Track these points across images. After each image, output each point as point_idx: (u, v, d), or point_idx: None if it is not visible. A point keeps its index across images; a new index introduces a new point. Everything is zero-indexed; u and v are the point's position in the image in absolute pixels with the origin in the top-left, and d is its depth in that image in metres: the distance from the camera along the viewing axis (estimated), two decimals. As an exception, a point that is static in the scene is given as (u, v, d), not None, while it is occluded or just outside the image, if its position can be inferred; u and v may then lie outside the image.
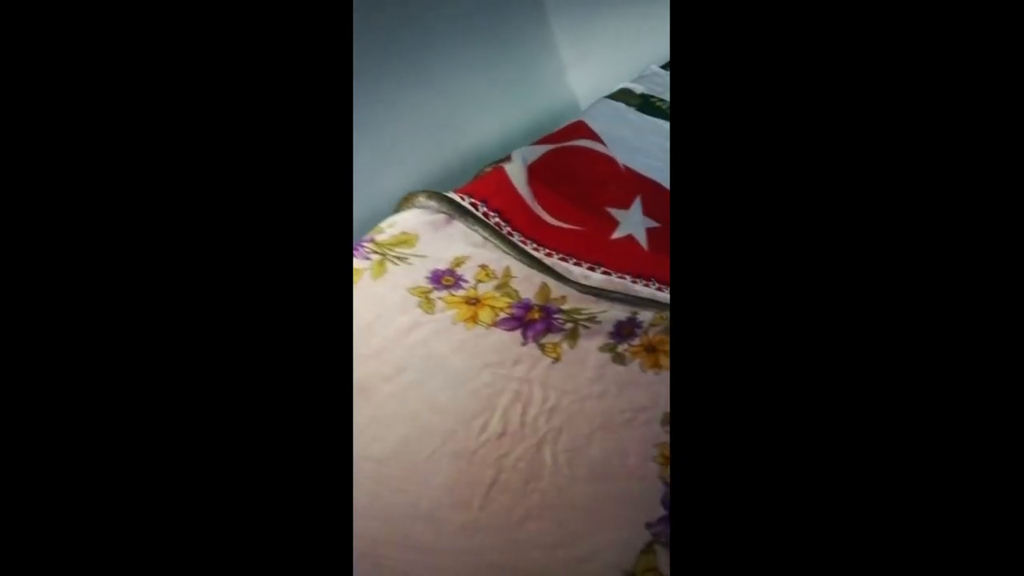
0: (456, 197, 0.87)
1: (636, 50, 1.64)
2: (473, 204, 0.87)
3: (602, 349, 0.75)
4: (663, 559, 0.56)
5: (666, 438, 0.67)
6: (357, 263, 0.78)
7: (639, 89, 1.46)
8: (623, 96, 1.42)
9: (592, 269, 0.88)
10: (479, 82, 1.19)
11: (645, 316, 0.80)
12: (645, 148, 1.22)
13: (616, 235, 0.95)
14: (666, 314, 0.81)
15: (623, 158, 1.08)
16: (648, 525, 0.58)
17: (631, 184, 1.03)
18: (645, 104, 1.42)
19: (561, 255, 0.89)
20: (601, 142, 1.10)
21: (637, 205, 1.00)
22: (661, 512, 0.60)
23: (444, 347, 0.70)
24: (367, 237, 0.83)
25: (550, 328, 0.76)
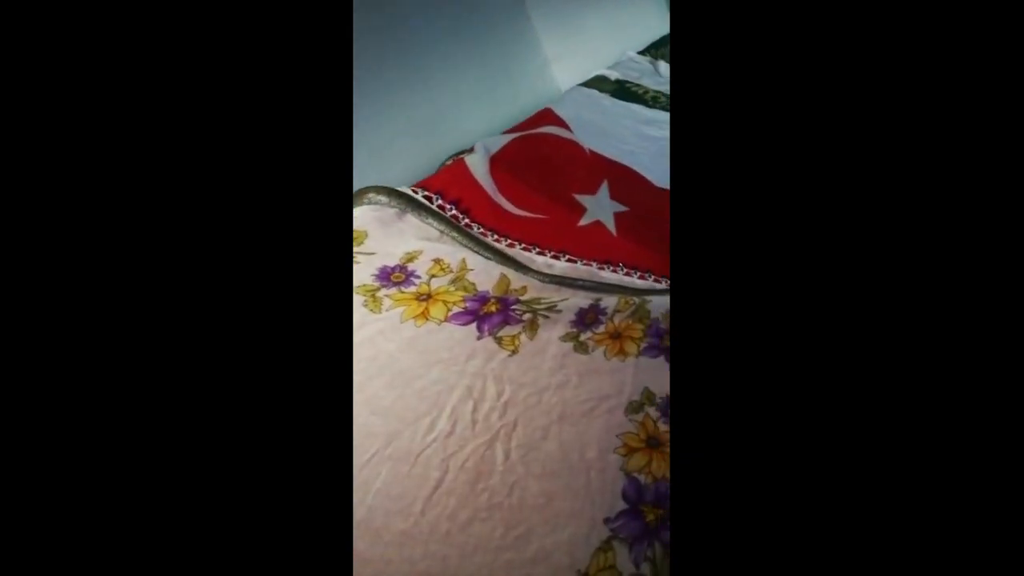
0: (408, 191, 0.84)
1: (616, 38, 1.61)
2: (427, 197, 0.84)
3: (564, 339, 0.72)
4: (622, 556, 0.52)
5: (630, 427, 0.63)
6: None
7: (614, 75, 1.43)
8: (597, 83, 1.38)
9: (556, 257, 0.84)
10: (465, 80, 1.17)
11: (609, 302, 0.76)
12: (617, 133, 1.19)
13: (583, 222, 0.91)
14: (632, 299, 0.77)
15: (590, 143, 1.04)
16: (606, 521, 0.54)
17: (597, 169, 0.99)
18: (620, 90, 1.38)
19: (524, 245, 0.85)
20: (568, 128, 1.07)
21: (604, 190, 0.96)
22: (621, 506, 0.56)
23: (391, 346, 0.67)
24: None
25: (507, 320, 0.72)
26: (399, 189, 0.83)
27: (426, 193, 0.84)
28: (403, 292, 0.73)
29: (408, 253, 0.77)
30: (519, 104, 1.27)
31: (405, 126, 1.04)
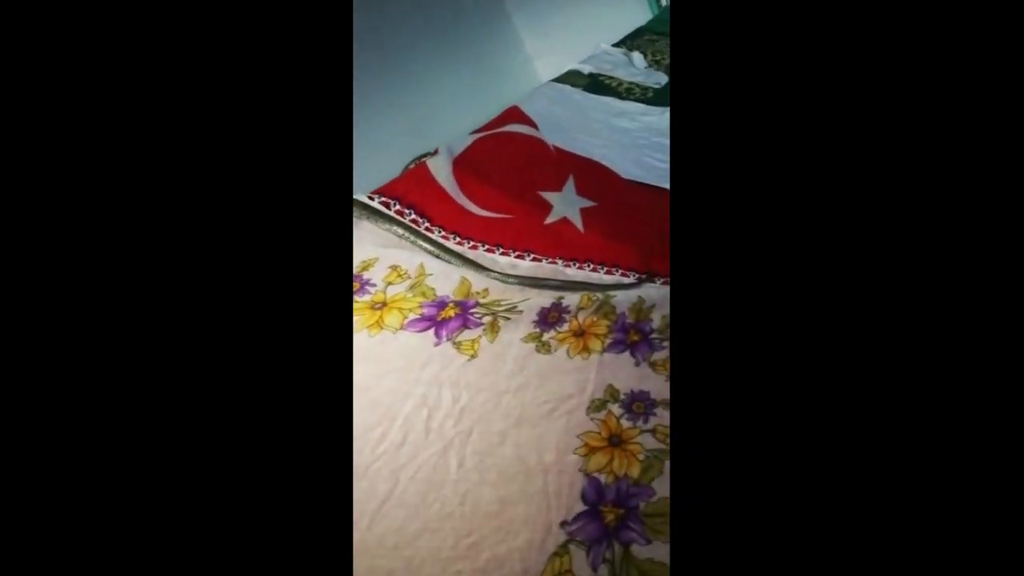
0: (363, 198, 0.82)
1: (594, 32, 1.60)
2: (384, 204, 0.83)
3: (526, 339, 0.70)
4: (579, 560, 0.50)
5: (592, 426, 0.61)
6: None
7: (587, 69, 1.41)
8: (570, 78, 1.37)
9: (521, 257, 0.83)
10: (449, 82, 1.17)
11: (571, 300, 0.74)
12: (587, 126, 1.17)
13: (550, 219, 0.90)
14: (595, 295, 0.76)
15: (555, 139, 1.02)
16: (563, 524, 0.53)
17: (562, 165, 0.97)
18: (593, 83, 1.37)
19: (488, 246, 0.84)
20: (533, 125, 1.05)
21: (570, 186, 0.94)
22: (580, 508, 0.54)
23: (345, 357, 0.65)
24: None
25: (467, 324, 0.71)
26: (354, 197, 0.82)
27: (383, 199, 0.83)
28: (357, 301, 0.72)
29: (364, 261, 0.76)
30: (502, 103, 1.26)
31: (391, 130, 1.03)
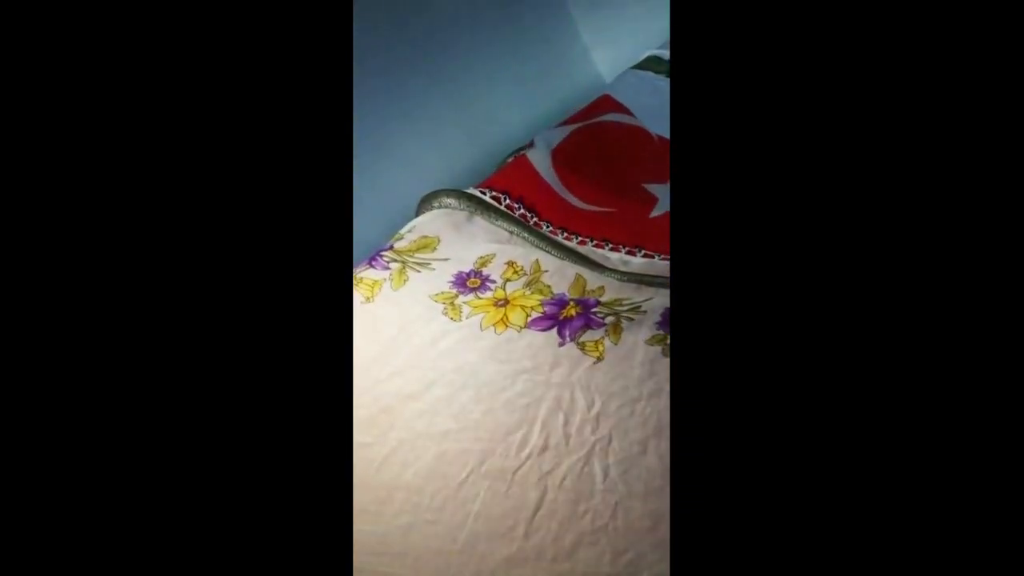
0: (476, 192, 0.80)
1: (660, 19, 1.55)
2: (495, 198, 0.81)
3: (650, 342, 0.68)
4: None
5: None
6: (375, 274, 0.73)
7: (667, 55, 1.37)
8: (650, 64, 1.32)
9: (632, 253, 0.80)
10: (506, 74, 1.14)
11: (694, 300, 0.72)
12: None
13: (655, 213, 0.87)
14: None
15: (655, 128, 0.99)
16: (719, 541, 0.51)
17: (667, 155, 0.94)
18: (674, 69, 1.33)
19: (596, 241, 0.81)
20: (630, 114, 1.02)
21: (675, 178, 0.91)
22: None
23: (473, 356, 0.64)
24: (386, 245, 0.78)
25: (589, 324, 0.69)
26: (467, 191, 0.81)
27: (493, 193, 0.81)
28: (480, 298, 0.70)
29: (481, 257, 0.74)
30: (561, 94, 1.24)
31: (454, 126, 1.02)
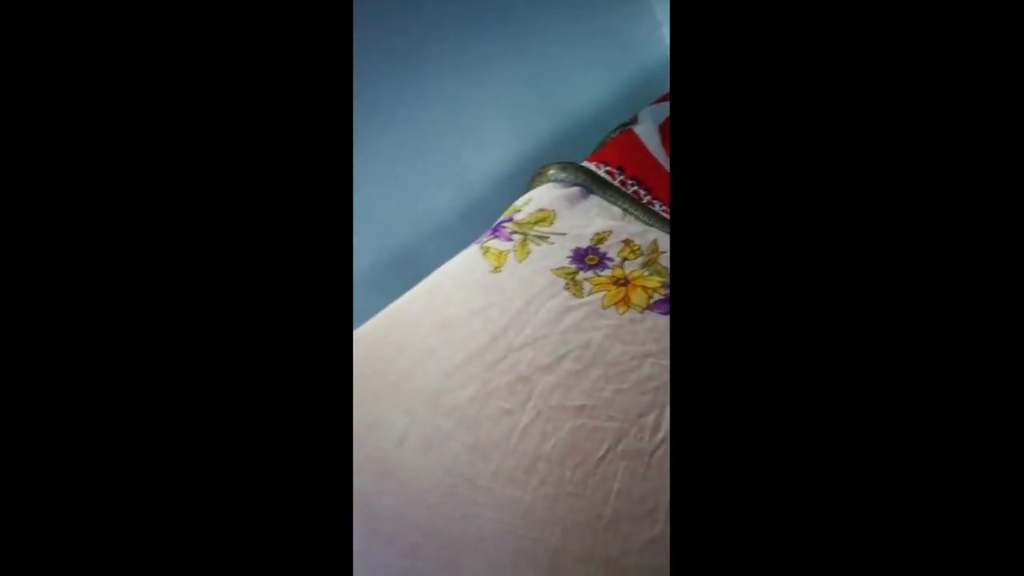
0: (591, 166, 0.79)
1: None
2: (609, 172, 0.80)
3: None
4: None
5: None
6: (501, 245, 0.72)
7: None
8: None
9: (741, 239, 0.79)
10: (578, 49, 1.12)
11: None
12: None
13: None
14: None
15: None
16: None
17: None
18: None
19: (705, 225, 0.80)
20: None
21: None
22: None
23: (598, 334, 0.64)
24: (506, 217, 0.77)
25: (708, 309, 0.68)
26: (583, 164, 0.79)
27: (608, 168, 0.80)
28: (600, 276, 0.70)
29: (598, 234, 0.74)
30: (630, 68, 1.21)
31: (531, 101, 1.00)
